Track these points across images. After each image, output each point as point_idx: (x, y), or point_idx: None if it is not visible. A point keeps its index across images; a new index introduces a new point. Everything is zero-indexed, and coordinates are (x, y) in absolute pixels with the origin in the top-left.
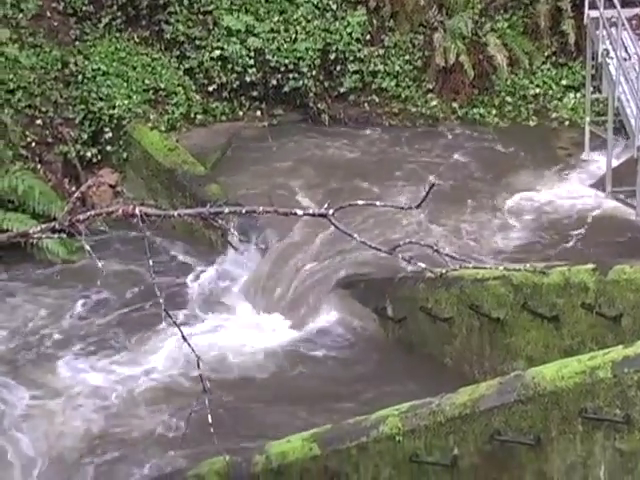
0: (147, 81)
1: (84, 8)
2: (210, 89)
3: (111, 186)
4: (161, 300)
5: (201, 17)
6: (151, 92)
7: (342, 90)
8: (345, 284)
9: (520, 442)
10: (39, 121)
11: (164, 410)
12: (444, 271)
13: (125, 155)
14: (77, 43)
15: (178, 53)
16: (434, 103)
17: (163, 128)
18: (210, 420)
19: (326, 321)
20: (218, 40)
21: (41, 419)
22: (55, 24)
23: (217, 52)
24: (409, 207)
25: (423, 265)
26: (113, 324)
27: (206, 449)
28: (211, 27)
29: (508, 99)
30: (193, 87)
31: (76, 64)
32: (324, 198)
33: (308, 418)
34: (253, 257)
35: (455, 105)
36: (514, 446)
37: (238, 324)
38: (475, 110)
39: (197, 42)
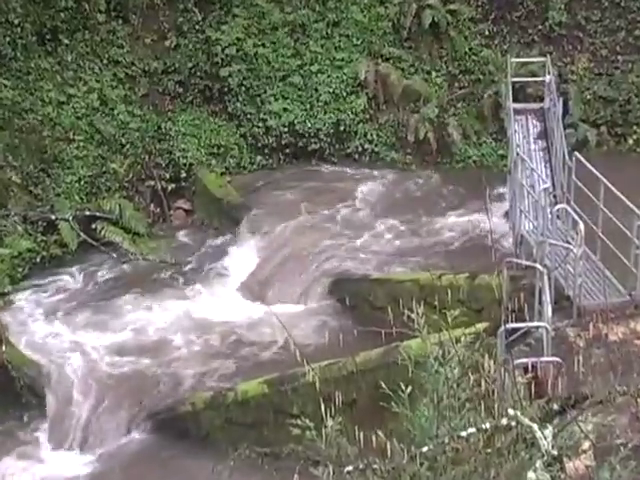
0: (213, 140)
1: (176, 89)
2: (258, 146)
3: (184, 210)
4: None
5: (253, 100)
6: (214, 148)
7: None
8: None
9: None
10: (139, 167)
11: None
12: None
13: (193, 189)
14: (169, 113)
15: (237, 122)
16: None
17: (219, 171)
18: None
19: None
20: (264, 114)
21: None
22: (156, 101)
23: (262, 123)
24: None
25: None
26: None
27: None
28: (259, 106)
29: None
30: (245, 146)
31: (167, 127)
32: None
33: None
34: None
35: None
36: None
37: None
38: None
39: (249, 116)
